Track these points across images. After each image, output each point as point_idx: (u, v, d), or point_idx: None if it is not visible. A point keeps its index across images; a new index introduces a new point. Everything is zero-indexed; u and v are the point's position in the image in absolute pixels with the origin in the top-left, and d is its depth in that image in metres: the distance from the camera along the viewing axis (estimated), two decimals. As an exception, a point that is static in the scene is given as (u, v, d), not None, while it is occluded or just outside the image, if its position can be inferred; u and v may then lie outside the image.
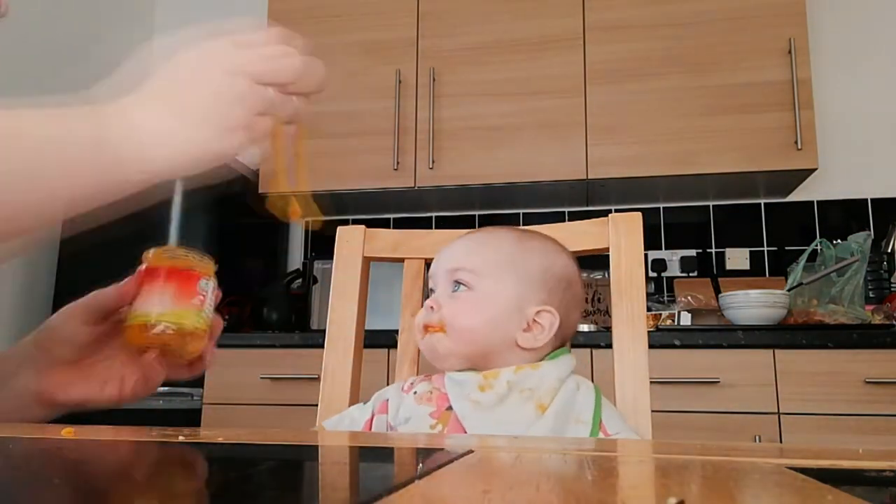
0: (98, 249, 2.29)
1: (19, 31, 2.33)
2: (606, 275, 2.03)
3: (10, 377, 0.64)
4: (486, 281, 0.78)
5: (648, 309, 1.84)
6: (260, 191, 2.40)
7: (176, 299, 0.62)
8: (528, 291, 0.78)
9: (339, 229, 1.02)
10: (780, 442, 1.75)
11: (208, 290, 0.65)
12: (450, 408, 0.75)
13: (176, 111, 0.52)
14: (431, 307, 0.79)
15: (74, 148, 0.50)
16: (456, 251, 0.82)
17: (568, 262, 0.83)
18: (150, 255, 0.66)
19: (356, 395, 0.95)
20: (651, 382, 0.83)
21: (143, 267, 0.65)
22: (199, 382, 2.08)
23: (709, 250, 2.47)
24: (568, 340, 0.83)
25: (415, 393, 0.79)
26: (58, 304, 2.40)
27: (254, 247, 2.55)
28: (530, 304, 0.78)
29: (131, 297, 0.62)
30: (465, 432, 0.72)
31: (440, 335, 0.77)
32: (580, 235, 0.94)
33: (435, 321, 0.78)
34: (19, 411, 0.64)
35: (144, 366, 0.65)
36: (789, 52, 2.14)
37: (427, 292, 0.84)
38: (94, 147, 0.51)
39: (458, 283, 0.79)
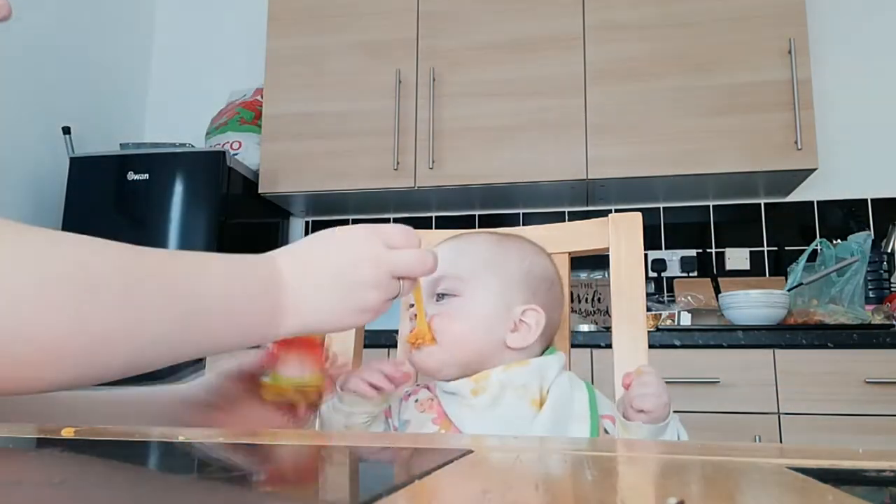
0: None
1: (19, 31, 2.33)
2: (606, 275, 2.03)
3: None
4: (471, 285, 0.77)
5: (648, 309, 1.84)
6: (260, 191, 2.41)
7: (313, 367, 0.73)
8: (512, 291, 0.79)
9: (340, 229, 1.02)
10: (780, 442, 1.75)
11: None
12: None
13: (325, 286, 0.58)
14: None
15: (245, 309, 0.55)
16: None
17: (548, 263, 0.84)
18: None
19: (356, 395, 0.94)
20: (651, 382, 0.83)
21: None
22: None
23: (709, 250, 2.47)
24: (552, 340, 0.83)
25: (416, 401, 0.80)
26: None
27: (253, 247, 2.55)
28: (516, 304, 0.78)
29: (272, 365, 0.72)
30: None
31: (431, 348, 0.75)
32: (580, 235, 0.94)
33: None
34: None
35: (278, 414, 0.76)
36: (789, 52, 2.14)
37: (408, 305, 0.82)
38: (262, 308, 0.56)
39: (442, 294, 0.78)
